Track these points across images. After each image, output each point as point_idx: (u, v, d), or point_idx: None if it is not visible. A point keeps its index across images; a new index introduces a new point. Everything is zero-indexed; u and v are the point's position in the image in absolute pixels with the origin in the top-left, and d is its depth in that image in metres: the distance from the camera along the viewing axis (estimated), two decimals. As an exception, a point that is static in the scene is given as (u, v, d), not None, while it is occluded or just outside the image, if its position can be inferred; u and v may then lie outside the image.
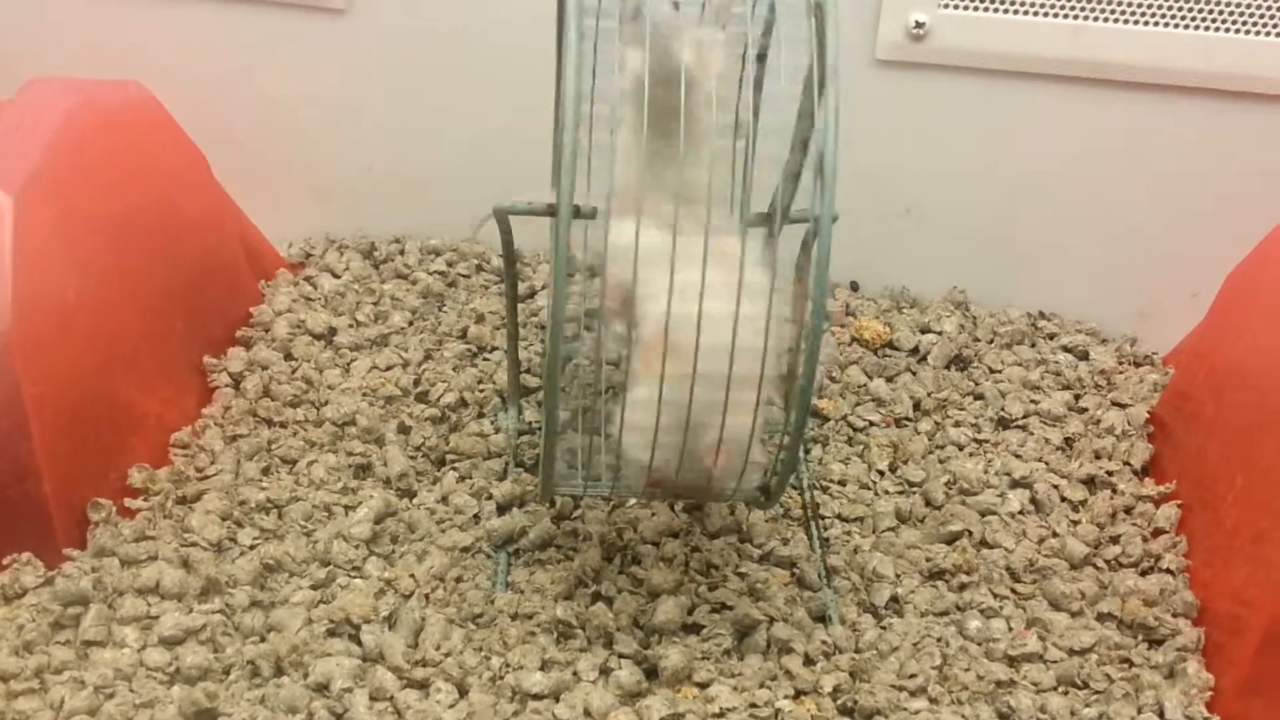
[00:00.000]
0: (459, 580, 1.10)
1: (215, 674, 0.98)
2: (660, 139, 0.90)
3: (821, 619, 1.08)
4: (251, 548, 1.11)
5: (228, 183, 1.41)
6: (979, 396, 1.37)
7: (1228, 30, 1.34)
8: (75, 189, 1.14)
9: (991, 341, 1.47)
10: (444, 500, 1.19)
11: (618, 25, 0.93)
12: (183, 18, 1.51)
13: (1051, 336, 1.49)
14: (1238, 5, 1.33)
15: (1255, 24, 1.34)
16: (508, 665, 1.00)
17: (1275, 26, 1.34)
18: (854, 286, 1.56)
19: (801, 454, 1.27)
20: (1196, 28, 1.35)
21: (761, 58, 1.07)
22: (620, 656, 1.01)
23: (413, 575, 1.09)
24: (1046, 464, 1.27)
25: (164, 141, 1.31)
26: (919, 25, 1.39)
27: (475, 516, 1.17)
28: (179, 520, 1.12)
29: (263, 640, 1.01)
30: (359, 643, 1.02)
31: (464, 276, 1.54)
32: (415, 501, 1.19)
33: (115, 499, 1.12)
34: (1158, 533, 1.18)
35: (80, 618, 1.00)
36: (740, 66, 1.01)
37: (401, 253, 1.58)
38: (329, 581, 1.08)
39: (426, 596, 1.08)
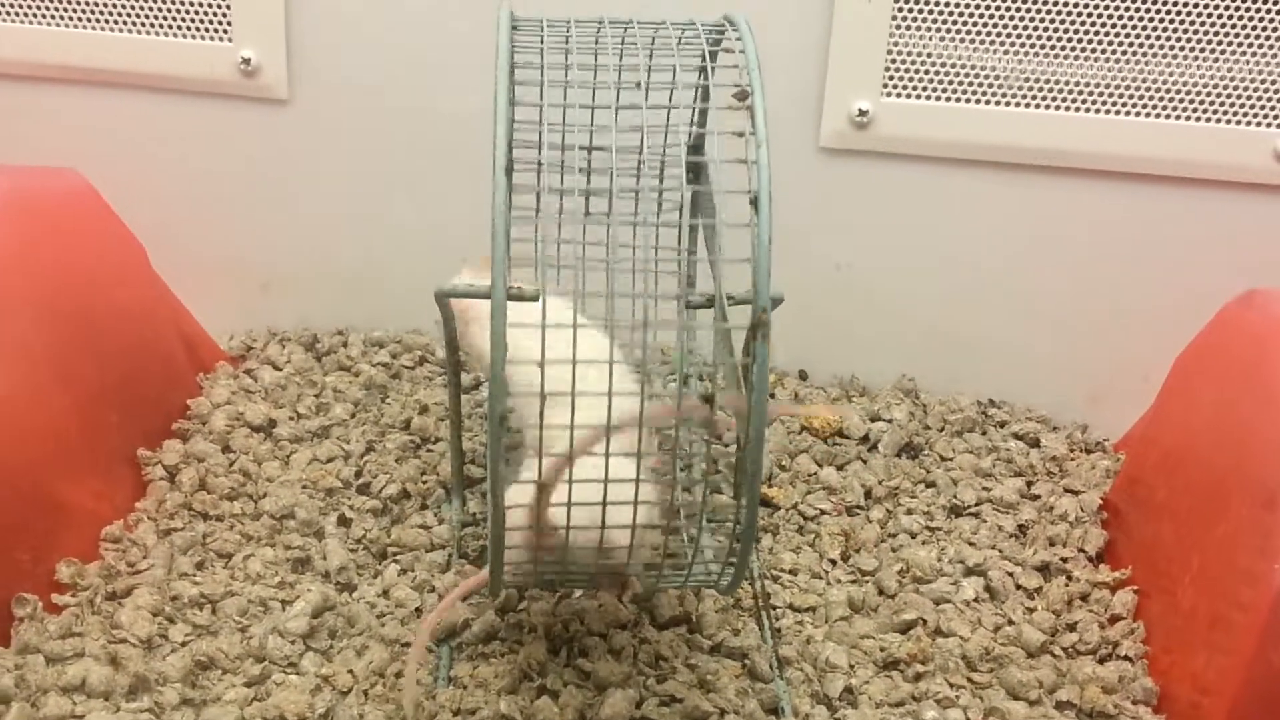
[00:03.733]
0: (399, 676, 1.06)
1: (142, 775, 0.94)
2: None
3: (774, 711, 1.05)
4: (183, 644, 1.07)
5: (168, 274, 1.39)
6: (930, 484, 1.36)
7: (1170, 117, 1.36)
8: (4, 276, 1.12)
9: (942, 429, 1.45)
10: (385, 594, 1.15)
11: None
12: (124, 107, 1.50)
13: (1002, 424, 1.48)
14: (1180, 92, 1.35)
15: (1197, 110, 1.35)
16: (449, 763, 0.96)
17: (1217, 113, 1.35)
18: (802, 375, 1.55)
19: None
20: (1140, 114, 1.36)
21: (697, 147, 1.07)
22: (566, 752, 0.98)
23: (351, 671, 1.05)
24: (1000, 551, 1.25)
25: (100, 231, 1.29)
26: (862, 113, 1.39)
27: (417, 610, 1.13)
28: (108, 616, 1.08)
29: (193, 740, 0.97)
30: (294, 741, 0.98)
31: (407, 368, 1.52)
32: (355, 595, 1.15)
33: (41, 594, 1.08)
34: (1114, 619, 1.16)
35: (2, 717, 0.95)
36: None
37: (344, 345, 1.56)
38: (264, 678, 1.04)
39: (365, 693, 1.04)
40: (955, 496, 1.33)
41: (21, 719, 0.95)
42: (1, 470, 1.06)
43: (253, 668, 1.05)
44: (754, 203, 0.83)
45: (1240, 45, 1.32)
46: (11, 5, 1.48)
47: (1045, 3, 1.34)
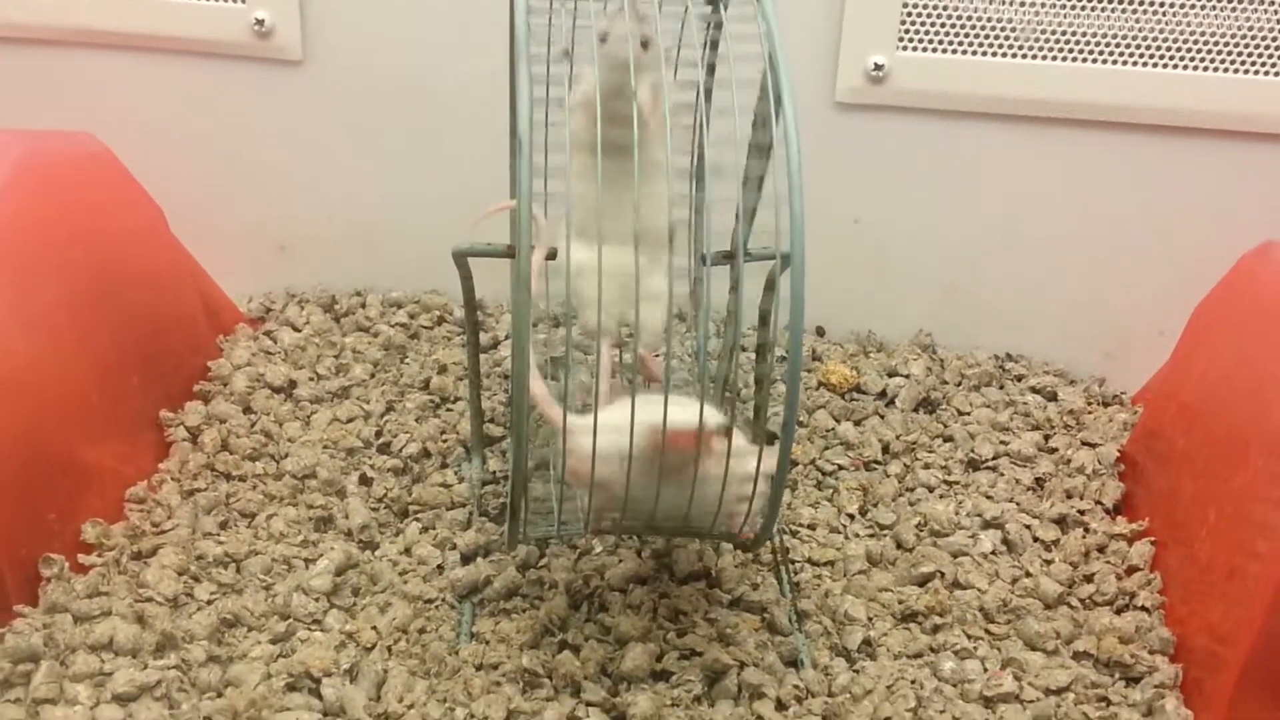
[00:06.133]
0: (422, 631, 1.07)
1: (170, 731, 0.95)
2: (612, 159, 0.89)
3: (793, 663, 1.06)
4: (209, 602, 1.08)
5: (185, 237, 1.39)
6: (948, 438, 1.36)
7: (1187, 68, 1.35)
8: (25, 243, 1.12)
9: (959, 384, 1.46)
10: (407, 551, 1.17)
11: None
12: (138, 70, 1.50)
13: (1019, 378, 1.48)
14: (1195, 43, 1.34)
15: (1213, 61, 1.34)
16: (472, 715, 0.97)
17: (1234, 63, 1.34)
18: (820, 331, 1.55)
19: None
20: (1156, 66, 1.36)
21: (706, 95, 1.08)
22: (588, 705, 0.99)
23: (375, 627, 1.07)
24: (1018, 504, 1.26)
25: (118, 194, 1.29)
26: (878, 68, 1.39)
27: (439, 567, 1.14)
28: (134, 575, 1.10)
29: (220, 696, 0.98)
30: (319, 696, 0.99)
31: (426, 328, 1.53)
32: (377, 553, 1.16)
33: (68, 555, 1.09)
34: (1131, 570, 1.17)
35: (31, 675, 0.97)
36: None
37: (363, 306, 1.57)
38: (288, 635, 1.05)
39: (389, 648, 1.05)
40: (973, 450, 1.33)
41: (50, 676, 0.97)
42: (27, 434, 1.07)
43: (278, 625, 1.06)
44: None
45: (1258, -5, 1.32)
46: (26, -30, 1.48)
47: (1061, -46, 1.34)
